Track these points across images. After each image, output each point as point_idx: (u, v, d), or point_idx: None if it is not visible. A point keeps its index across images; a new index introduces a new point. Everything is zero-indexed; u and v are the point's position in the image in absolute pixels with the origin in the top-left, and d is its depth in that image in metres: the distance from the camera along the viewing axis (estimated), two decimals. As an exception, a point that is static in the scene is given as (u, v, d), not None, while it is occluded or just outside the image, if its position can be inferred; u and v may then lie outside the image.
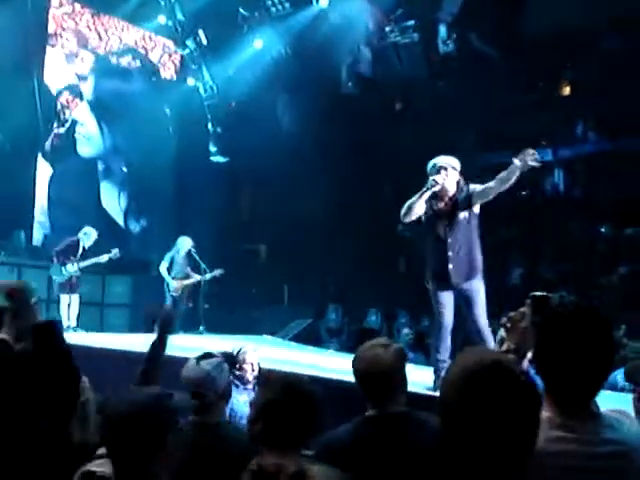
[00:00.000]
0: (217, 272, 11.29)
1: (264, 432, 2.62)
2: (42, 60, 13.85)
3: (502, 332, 4.23)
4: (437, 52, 12.47)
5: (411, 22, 12.44)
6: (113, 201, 15.06)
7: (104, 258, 11.06)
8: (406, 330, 10.33)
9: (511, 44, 12.57)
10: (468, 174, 13.20)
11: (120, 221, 15.13)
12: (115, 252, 11.22)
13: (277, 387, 2.68)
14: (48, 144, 14.15)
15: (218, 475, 2.87)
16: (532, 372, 2.88)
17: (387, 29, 12.56)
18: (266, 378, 2.79)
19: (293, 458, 2.55)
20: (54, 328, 2.93)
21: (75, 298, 10.80)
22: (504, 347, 2.85)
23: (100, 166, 15.10)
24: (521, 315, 2.76)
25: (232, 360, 5.06)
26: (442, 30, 12.30)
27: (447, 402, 1.60)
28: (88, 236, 11.07)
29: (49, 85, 14.17)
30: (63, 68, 14.42)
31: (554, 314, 2.17)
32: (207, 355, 3.55)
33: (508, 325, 3.02)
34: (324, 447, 2.83)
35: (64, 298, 10.74)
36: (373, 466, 2.78)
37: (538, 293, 2.66)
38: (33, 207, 13.59)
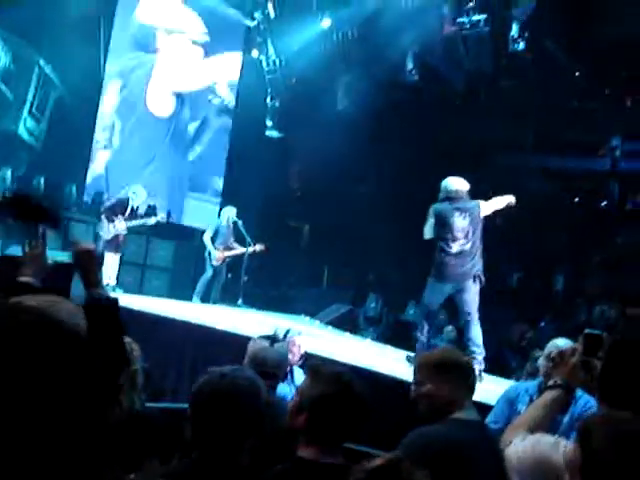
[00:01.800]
0: (259, 247, 11.24)
1: (309, 425, 2.60)
2: (111, 18, 13.90)
3: (543, 362, 4.19)
4: (506, 49, 12.27)
5: (483, 16, 12.23)
6: (171, 165, 15.11)
7: (152, 220, 11.12)
8: (449, 327, 10.30)
9: (581, 50, 12.36)
10: (521, 174, 13.05)
11: (173, 185, 15.17)
12: (163, 216, 11.28)
13: (330, 382, 2.66)
14: (116, 98, 14.21)
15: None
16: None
17: (458, 20, 12.37)
18: (317, 369, 2.75)
19: (333, 453, 2.54)
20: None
21: (117, 257, 10.85)
22: (551, 382, 2.80)
23: (165, 128, 15.07)
24: (572, 351, 2.71)
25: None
26: (514, 28, 12.08)
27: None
28: (137, 195, 11.13)
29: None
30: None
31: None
32: (272, 336, 3.63)
33: (557, 359, 2.96)
34: (420, 447, 2.73)
35: (108, 255, 10.78)
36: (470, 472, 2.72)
37: (592, 331, 2.62)
38: (88, 162, 13.69)
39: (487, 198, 7.11)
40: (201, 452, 2.25)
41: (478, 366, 6.33)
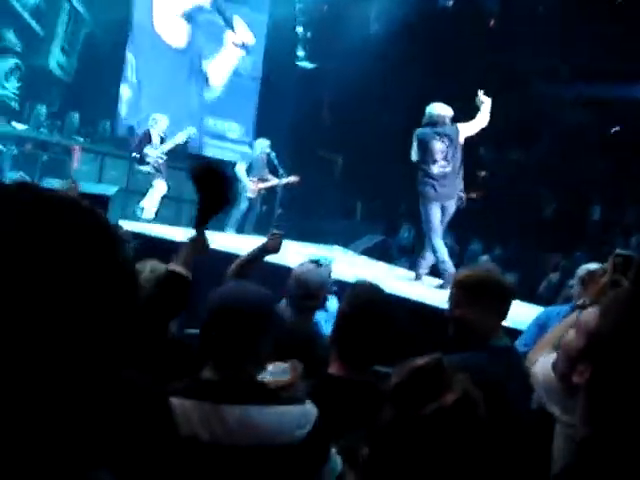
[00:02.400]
0: (292, 178, 11.22)
1: (336, 342, 2.66)
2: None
3: (576, 284, 4.19)
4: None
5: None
6: (196, 99, 15.00)
7: (181, 137, 10.99)
8: (485, 257, 10.20)
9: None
10: (557, 103, 12.76)
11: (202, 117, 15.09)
12: (190, 129, 11.18)
13: (351, 300, 2.70)
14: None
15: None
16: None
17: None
18: (353, 290, 2.79)
19: (362, 371, 2.59)
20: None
21: (162, 185, 10.82)
22: (580, 301, 2.80)
23: (183, 60, 14.83)
24: (602, 271, 2.70)
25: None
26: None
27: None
28: (156, 121, 10.99)
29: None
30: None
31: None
32: (315, 261, 3.73)
33: (586, 279, 2.95)
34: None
35: (158, 183, 10.80)
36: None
37: (623, 252, 2.60)
38: (118, 97, 13.69)
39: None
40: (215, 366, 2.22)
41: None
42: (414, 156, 7.61)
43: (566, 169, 12.75)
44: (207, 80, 14.93)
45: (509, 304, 2.87)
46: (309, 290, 3.67)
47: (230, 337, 2.18)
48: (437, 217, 7.45)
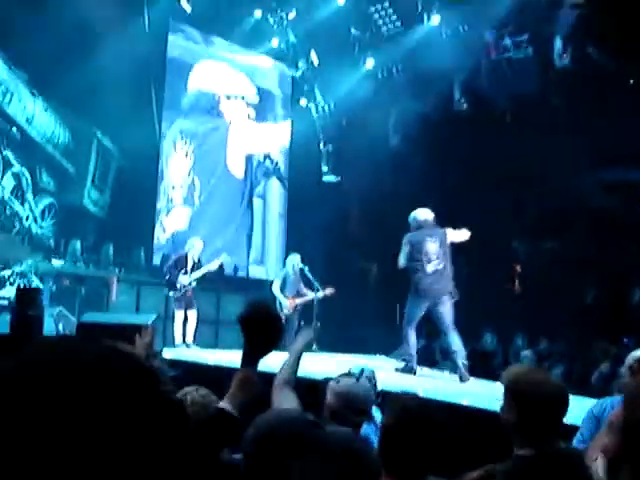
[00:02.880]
0: (328, 291, 11.25)
1: (383, 456, 2.58)
2: (162, 84, 14.31)
3: (626, 373, 4.09)
4: (552, 66, 12.16)
5: (525, 36, 12.18)
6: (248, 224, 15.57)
7: (215, 265, 11.12)
8: (526, 352, 9.99)
9: (632, 54, 12.10)
10: (582, 190, 12.78)
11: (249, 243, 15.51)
12: (224, 257, 11.31)
13: (394, 411, 2.64)
14: (191, 158, 14.84)
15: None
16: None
17: (501, 43, 12.36)
18: (394, 401, 2.73)
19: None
20: None
21: (192, 314, 10.84)
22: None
23: (241, 188, 15.77)
24: None
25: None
26: (557, 43, 11.98)
27: None
28: (193, 246, 11.16)
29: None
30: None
31: None
32: (352, 374, 3.63)
33: (635, 366, 2.89)
34: None
35: (179, 314, 10.86)
36: None
37: None
38: (153, 227, 14.00)
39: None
40: None
41: (463, 366, 8.00)
42: (402, 261, 8.32)
43: (601, 255, 12.62)
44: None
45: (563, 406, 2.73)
46: (357, 405, 3.56)
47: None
48: (418, 313, 8.35)
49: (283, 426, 2.21)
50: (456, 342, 8.11)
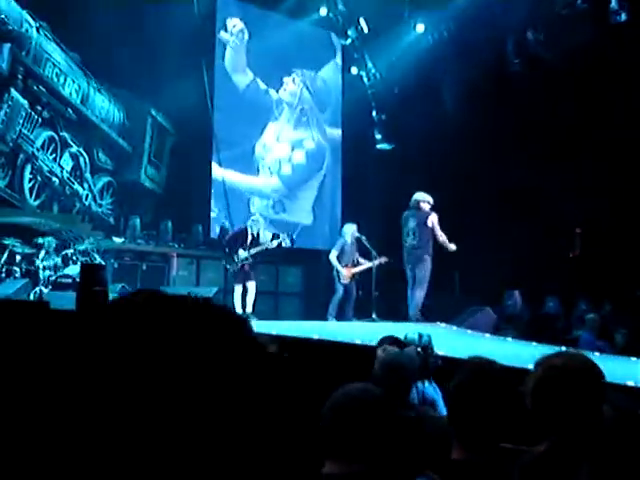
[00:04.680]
0: (383, 259, 11.23)
1: (450, 422, 2.55)
2: (212, 62, 14.37)
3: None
4: (607, 23, 11.80)
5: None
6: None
7: (273, 243, 11.23)
8: (591, 315, 9.76)
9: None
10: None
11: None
12: (284, 237, 11.40)
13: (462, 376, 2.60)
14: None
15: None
16: None
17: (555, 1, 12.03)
18: (465, 367, 2.68)
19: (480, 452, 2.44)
20: None
21: (252, 285, 10.95)
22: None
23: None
24: None
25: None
26: (613, 0, 11.63)
27: None
28: (256, 223, 11.32)
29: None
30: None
31: None
32: (401, 341, 3.63)
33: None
34: None
35: (238, 288, 11.01)
36: None
37: None
38: (209, 202, 14.10)
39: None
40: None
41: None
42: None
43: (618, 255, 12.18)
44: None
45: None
46: (401, 372, 3.54)
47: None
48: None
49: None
50: (416, 296, 10.22)
